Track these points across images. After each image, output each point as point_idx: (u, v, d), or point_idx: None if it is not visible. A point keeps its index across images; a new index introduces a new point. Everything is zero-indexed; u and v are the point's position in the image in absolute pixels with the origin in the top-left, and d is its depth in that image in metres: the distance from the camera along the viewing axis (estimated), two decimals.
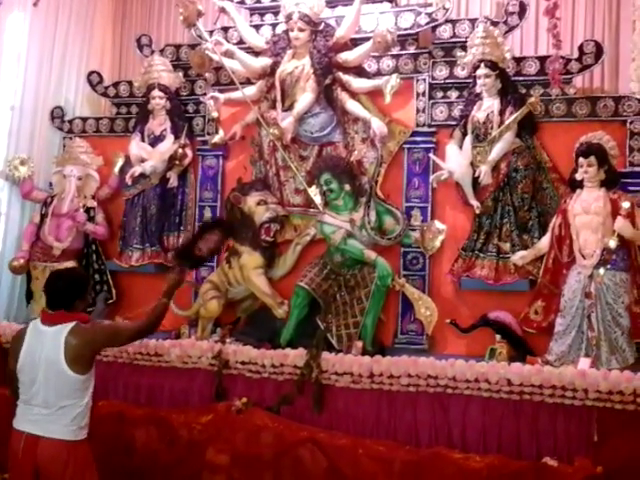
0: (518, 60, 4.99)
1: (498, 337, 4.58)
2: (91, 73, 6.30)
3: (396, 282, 4.83)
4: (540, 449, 4.07)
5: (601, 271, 4.29)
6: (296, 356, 4.64)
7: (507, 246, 4.72)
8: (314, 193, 5.08)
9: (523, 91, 4.91)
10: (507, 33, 5.00)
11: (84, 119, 6.27)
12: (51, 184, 6.09)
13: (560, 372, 4.10)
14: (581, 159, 4.48)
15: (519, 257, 4.65)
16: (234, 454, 4.38)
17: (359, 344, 4.71)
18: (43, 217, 5.84)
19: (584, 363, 4.21)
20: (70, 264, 5.56)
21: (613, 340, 4.27)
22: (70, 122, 6.28)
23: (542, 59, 4.90)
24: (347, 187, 4.96)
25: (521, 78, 4.95)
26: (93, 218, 5.82)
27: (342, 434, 4.38)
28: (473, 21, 5.06)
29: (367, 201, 4.97)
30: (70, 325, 3.23)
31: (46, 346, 3.22)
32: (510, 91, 4.84)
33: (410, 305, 4.88)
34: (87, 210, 5.81)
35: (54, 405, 3.19)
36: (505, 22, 5.00)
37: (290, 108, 5.18)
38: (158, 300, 3.64)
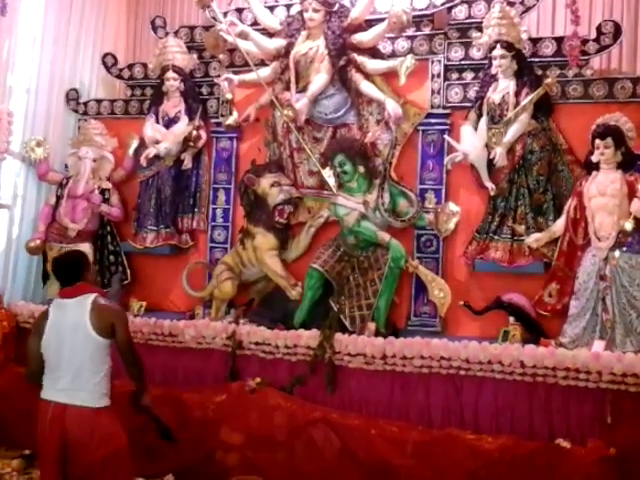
0: (534, 41, 4.93)
1: (512, 319, 4.58)
2: (106, 55, 6.31)
3: (409, 264, 4.82)
4: (553, 431, 4.10)
5: (616, 253, 4.28)
6: (309, 337, 4.67)
7: (522, 228, 4.69)
8: (328, 175, 5.07)
9: (539, 72, 4.86)
10: (523, 13, 4.95)
11: (99, 101, 6.29)
12: (66, 166, 6.12)
13: (574, 354, 4.10)
14: (597, 141, 4.44)
15: (534, 240, 4.62)
16: (247, 434, 4.43)
17: (372, 326, 4.72)
18: (59, 199, 5.87)
19: (598, 346, 4.19)
20: (85, 245, 5.62)
21: (628, 323, 4.24)
22: (85, 104, 6.30)
23: (559, 40, 4.85)
24: (361, 169, 4.95)
25: (537, 59, 4.90)
26: (108, 200, 5.85)
27: (355, 415, 4.42)
28: (489, 2, 4.99)
29: (381, 183, 4.95)
30: (92, 296, 3.45)
31: (71, 314, 3.40)
32: (526, 72, 4.79)
33: (423, 287, 4.87)
34: (102, 192, 5.84)
35: (79, 369, 3.34)
36: (522, 2, 4.95)
37: (304, 90, 5.17)
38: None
